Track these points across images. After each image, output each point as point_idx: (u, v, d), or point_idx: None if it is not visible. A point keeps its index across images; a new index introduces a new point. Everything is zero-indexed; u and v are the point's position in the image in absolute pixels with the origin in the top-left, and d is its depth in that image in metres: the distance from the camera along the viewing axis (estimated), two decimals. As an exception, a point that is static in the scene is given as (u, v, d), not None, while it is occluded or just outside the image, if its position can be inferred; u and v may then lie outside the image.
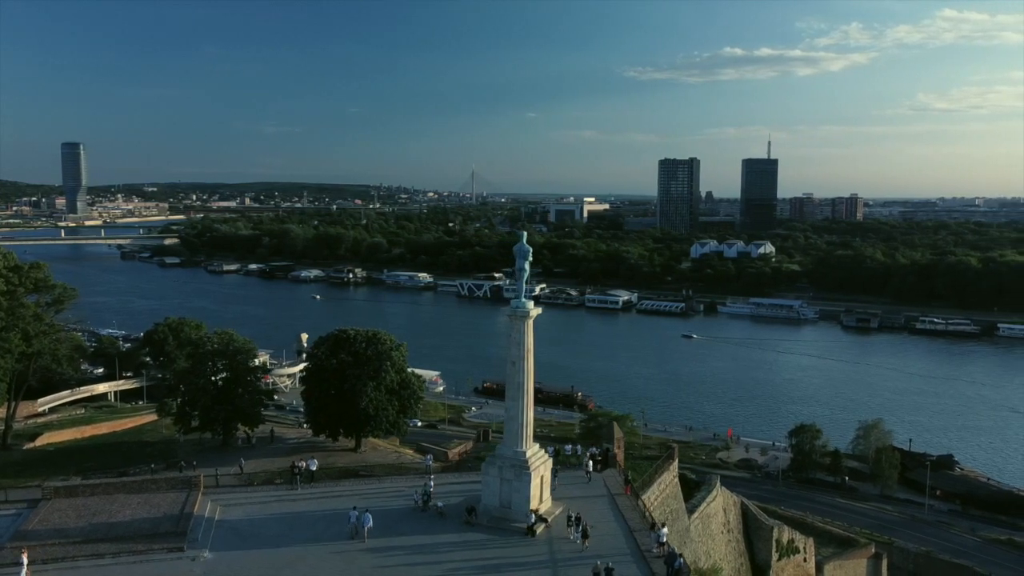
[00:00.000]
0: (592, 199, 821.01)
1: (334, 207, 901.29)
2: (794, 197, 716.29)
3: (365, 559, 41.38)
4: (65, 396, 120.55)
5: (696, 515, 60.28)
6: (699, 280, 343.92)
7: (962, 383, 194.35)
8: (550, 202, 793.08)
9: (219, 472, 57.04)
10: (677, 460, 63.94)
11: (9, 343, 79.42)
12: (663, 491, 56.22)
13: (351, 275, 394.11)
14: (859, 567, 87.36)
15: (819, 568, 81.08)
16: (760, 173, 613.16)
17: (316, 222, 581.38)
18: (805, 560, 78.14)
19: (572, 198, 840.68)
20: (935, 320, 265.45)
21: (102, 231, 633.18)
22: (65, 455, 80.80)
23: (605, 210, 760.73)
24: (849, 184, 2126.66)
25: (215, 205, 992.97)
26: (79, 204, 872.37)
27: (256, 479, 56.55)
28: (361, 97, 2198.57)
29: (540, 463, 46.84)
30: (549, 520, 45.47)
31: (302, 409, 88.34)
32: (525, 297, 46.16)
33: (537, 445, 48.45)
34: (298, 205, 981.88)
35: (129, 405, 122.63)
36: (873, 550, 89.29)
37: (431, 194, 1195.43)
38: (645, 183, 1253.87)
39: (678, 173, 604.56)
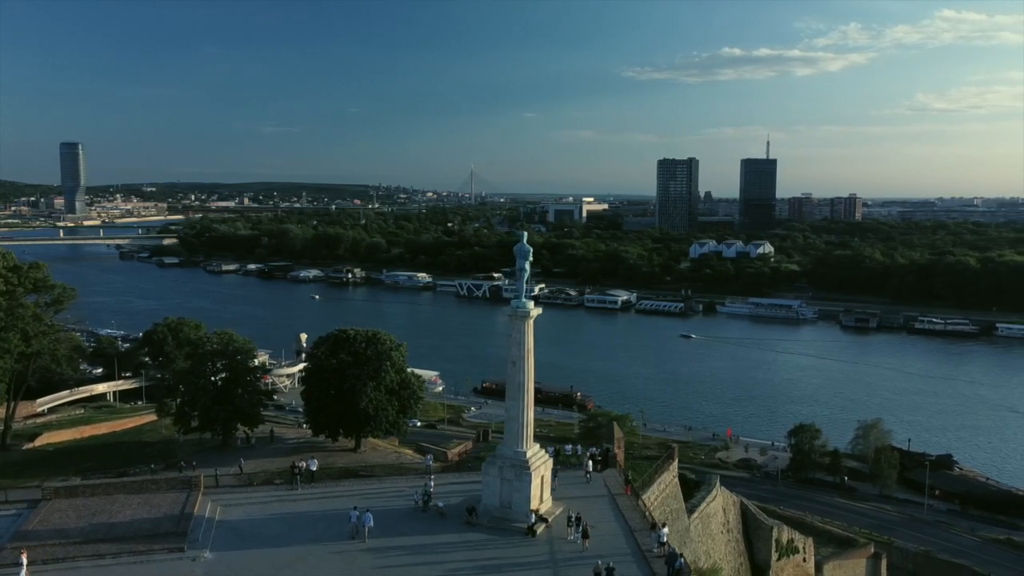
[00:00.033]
0: (591, 199, 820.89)
1: (333, 207, 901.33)
2: (793, 197, 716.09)
3: (366, 559, 41.38)
4: (64, 396, 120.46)
5: (696, 515, 60.29)
6: (698, 280, 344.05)
7: (961, 383, 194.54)
8: (549, 202, 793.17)
9: (219, 472, 57.06)
10: (677, 460, 63.96)
11: (8, 343, 79.39)
12: (663, 491, 56.24)
13: (350, 275, 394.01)
14: (858, 567, 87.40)
15: (818, 568, 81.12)
16: (759, 173, 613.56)
17: (315, 222, 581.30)
18: (804, 560, 78.17)
19: (571, 198, 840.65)
20: (934, 320, 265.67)
21: (101, 231, 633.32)
22: (64, 455, 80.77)
23: (604, 210, 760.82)
24: (848, 184, 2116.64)
25: (214, 205, 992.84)
26: (78, 204, 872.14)
27: (256, 479, 56.56)
28: (361, 97, 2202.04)
29: (540, 463, 46.86)
30: (550, 520, 45.49)
31: (301, 409, 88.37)
32: (525, 297, 46.21)
33: (537, 445, 48.46)
34: (297, 205, 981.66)
35: (128, 405, 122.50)
36: (872, 550, 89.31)
37: (430, 194, 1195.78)
38: (644, 183, 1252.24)
39: (677, 173, 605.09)
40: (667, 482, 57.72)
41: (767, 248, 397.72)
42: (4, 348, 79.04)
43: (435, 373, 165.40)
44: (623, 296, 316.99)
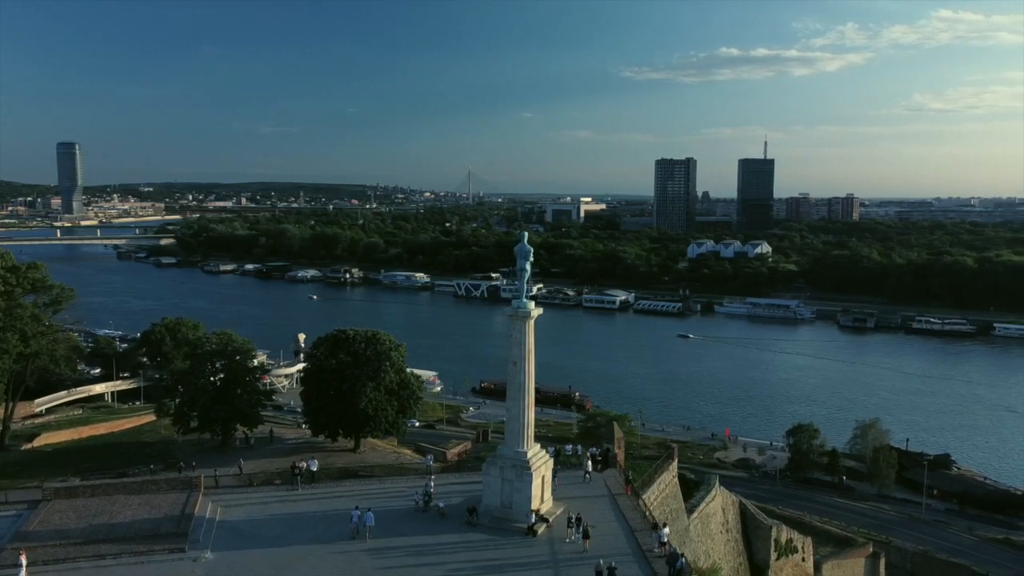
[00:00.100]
0: (589, 199, 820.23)
1: (331, 207, 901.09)
2: (790, 197, 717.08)
3: (366, 559, 41.41)
4: (62, 397, 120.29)
5: (695, 515, 60.33)
6: (696, 280, 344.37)
7: (958, 382, 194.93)
8: (547, 202, 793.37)
9: (218, 473, 57.02)
10: (676, 460, 64.03)
11: (7, 343, 79.30)
12: (663, 491, 56.30)
13: (348, 275, 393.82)
14: (857, 566, 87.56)
15: (817, 567, 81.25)
16: (756, 173, 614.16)
17: (313, 222, 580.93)
18: (803, 559, 78.27)
19: (569, 198, 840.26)
20: (931, 320, 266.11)
21: (98, 231, 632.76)
22: (63, 456, 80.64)
23: (602, 210, 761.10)
24: (845, 184, 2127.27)
25: (211, 205, 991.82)
26: (75, 204, 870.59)
27: (255, 480, 56.57)
28: (360, 97, 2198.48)
29: (541, 463, 46.90)
30: (550, 520, 45.54)
31: (300, 409, 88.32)
32: (525, 297, 46.22)
33: (538, 445, 48.49)
34: (295, 205, 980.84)
35: (126, 406, 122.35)
36: (871, 549, 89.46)
37: (427, 194, 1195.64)
38: (642, 183, 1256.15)
39: (675, 173, 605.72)
40: (667, 482, 57.79)
41: (765, 248, 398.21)
42: (2, 348, 78.95)
43: (433, 373, 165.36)
44: (621, 296, 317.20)
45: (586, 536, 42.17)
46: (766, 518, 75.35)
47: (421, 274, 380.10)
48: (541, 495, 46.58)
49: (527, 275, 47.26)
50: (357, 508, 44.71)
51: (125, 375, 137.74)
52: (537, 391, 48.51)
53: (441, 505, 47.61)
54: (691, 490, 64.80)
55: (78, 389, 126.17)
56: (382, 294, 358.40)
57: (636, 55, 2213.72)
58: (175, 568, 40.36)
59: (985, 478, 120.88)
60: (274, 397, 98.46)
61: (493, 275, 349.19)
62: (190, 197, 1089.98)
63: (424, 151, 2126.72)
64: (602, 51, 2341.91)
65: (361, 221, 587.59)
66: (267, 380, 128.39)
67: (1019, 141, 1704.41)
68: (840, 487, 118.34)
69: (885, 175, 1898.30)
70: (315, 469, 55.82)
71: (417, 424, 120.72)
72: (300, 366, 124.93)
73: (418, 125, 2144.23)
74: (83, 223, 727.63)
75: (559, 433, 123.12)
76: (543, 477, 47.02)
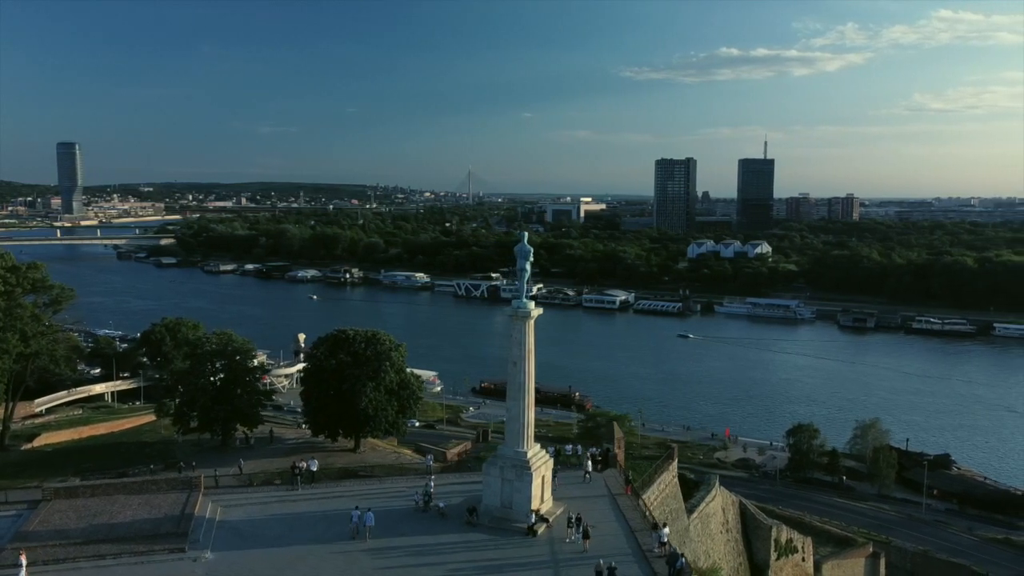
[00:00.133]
0: (589, 199, 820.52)
1: (331, 207, 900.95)
2: (790, 197, 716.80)
3: (367, 559, 41.42)
4: (62, 397, 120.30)
5: (695, 515, 60.36)
6: (696, 280, 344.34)
7: (958, 383, 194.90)
8: (546, 202, 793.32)
9: (218, 473, 57.04)
10: (676, 460, 64.05)
11: (7, 344, 79.36)
12: (663, 491, 56.32)
13: (348, 275, 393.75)
14: (857, 566, 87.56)
15: (817, 567, 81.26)
16: (756, 173, 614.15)
17: (313, 222, 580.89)
18: (803, 559, 78.29)
19: (568, 198, 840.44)
20: (931, 320, 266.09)
21: (98, 231, 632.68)
22: (63, 456, 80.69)
23: (602, 210, 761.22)
24: (845, 184, 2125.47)
25: (211, 205, 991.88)
26: (75, 204, 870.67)
27: (255, 480, 56.58)
28: (359, 97, 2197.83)
29: (541, 463, 46.90)
30: (550, 520, 45.54)
31: (299, 409, 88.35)
32: (525, 297, 46.22)
33: (538, 445, 48.50)
34: (294, 205, 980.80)
35: (126, 406, 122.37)
36: (871, 549, 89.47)
37: (427, 194, 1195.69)
38: (642, 183, 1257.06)
39: (674, 173, 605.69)
40: (667, 482, 57.81)
41: (765, 248, 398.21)
42: (3, 348, 79.02)
43: (433, 373, 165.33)
44: (621, 296, 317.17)
45: (586, 536, 42.17)
46: (766, 518, 75.38)
47: (421, 274, 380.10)
48: (541, 495, 46.59)
49: (527, 275, 47.25)
50: (357, 508, 44.73)
51: (125, 375, 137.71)
52: (537, 391, 48.53)
53: (441, 505, 47.62)
54: (691, 490, 64.84)
55: (78, 389, 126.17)
56: (382, 294, 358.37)
57: (636, 55, 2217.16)
58: (175, 568, 40.37)
59: (985, 478, 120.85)
60: (274, 397, 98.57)
61: (493, 275, 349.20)
62: (190, 197, 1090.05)
63: (424, 151, 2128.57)
64: (602, 51, 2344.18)
65: (361, 221, 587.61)
66: (267, 380, 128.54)
67: (1019, 141, 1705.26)
68: (840, 487, 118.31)
69: (885, 175, 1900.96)
70: (315, 469, 55.83)
71: (417, 424, 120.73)
72: (300, 366, 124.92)
73: (418, 125, 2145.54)
74: (83, 223, 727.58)
75: (559, 433, 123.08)
76: (543, 477, 47.03)
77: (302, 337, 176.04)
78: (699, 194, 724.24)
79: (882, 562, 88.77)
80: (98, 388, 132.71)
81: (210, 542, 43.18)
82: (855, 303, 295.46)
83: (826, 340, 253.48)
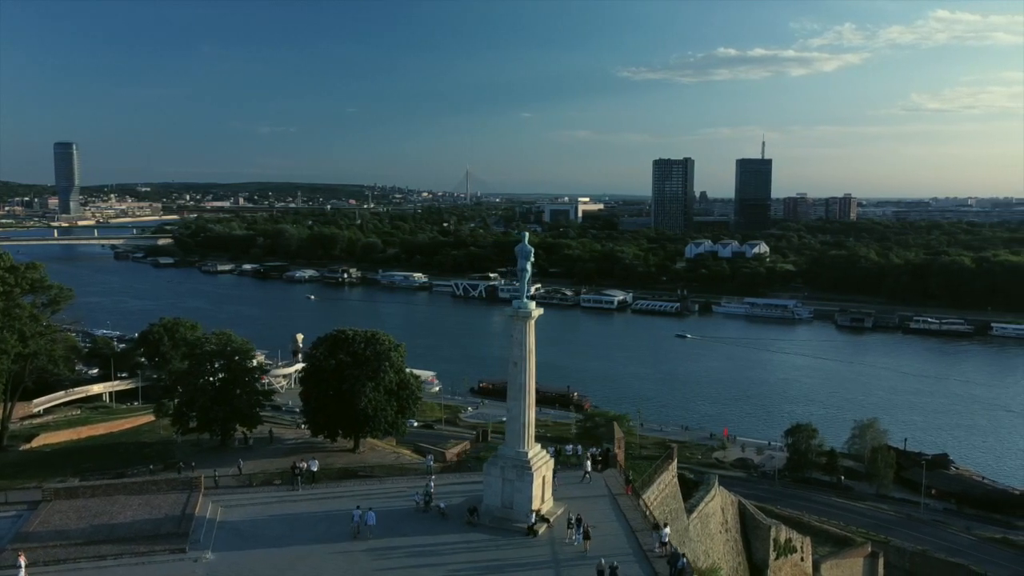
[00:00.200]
0: (587, 199, 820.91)
1: (328, 207, 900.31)
2: (788, 197, 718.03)
3: (367, 559, 41.41)
4: (60, 397, 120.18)
5: (695, 515, 60.39)
6: (694, 280, 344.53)
7: (956, 382, 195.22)
8: (545, 202, 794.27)
9: (218, 473, 56.94)
10: (676, 460, 64.10)
11: (5, 344, 79.30)
12: (663, 491, 56.36)
13: (346, 275, 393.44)
14: (855, 566, 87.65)
15: (816, 567, 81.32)
16: (754, 173, 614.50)
17: (310, 222, 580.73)
18: (802, 559, 78.35)
19: (567, 198, 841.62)
20: (929, 320, 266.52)
21: (95, 231, 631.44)
22: (62, 456, 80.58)
23: (600, 210, 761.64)
24: (843, 184, 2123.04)
25: (209, 205, 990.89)
26: (72, 204, 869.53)
27: (255, 480, 56.52)
28: (358, 97, 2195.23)
29: (542, 463, 46.92)
30: (551, 520, 45.56)
31: (298, 409, 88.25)
32: (525, 298, 46.21)
33: (539, 445, 48.51)
34: (292, 205, 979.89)
35: (125, 406, 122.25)
36: (869, 549, 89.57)
37: (425, 194, 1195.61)
38: (639, 183, 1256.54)
39: (672, 173, 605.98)
40: (667, 482, 57.86)
41: (763, 248, 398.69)
42: (1, 349, 78.93)
43: (432, 373, 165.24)
44: (619, 296, 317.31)
45: (587, 537, 42.15)
46: (765, 518, 75.45)
47: (419, 274, 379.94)
48: (542, 495, 46.61)
49: (528, 275, 47.26)
50: (358, 508, 44.73)
51: (123, 375, 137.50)
52: (536, 391, 48.54)
53: (442, 505, 47.62)
54: (690, 490, 64.89)
55: (76, 389, 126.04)
56: (380, 294, 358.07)
57: (634, 55, 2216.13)
58: (176, 568, 40.34)
59: (983, 478, 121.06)
60: (273, 397, 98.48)
61: (491, 275, 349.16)
62: (187, 197, 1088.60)
63: (422, 151, 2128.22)
64: (600, 51, 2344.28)
65: (359, 221, 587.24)
66: (265, 380, 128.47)
67: (1016, 141, 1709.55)
68: (838, 487, 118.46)
69: (882, 175, 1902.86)
70: (315, 469, 55.80)
71: (415, 424, 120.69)
72: (298, 366, 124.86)
73: (416, 125, 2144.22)
74: (80, 223, 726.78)
75: (558, 433, 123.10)
76: (544, 477, 47.04)
77: (300, 337, 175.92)
78: (697, 194, 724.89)
79: (880, 562, 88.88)
80: (96, 388, 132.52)
81: (211, 542, 43.16)
82: (853, 303, 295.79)
83: (824, 340, 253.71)
